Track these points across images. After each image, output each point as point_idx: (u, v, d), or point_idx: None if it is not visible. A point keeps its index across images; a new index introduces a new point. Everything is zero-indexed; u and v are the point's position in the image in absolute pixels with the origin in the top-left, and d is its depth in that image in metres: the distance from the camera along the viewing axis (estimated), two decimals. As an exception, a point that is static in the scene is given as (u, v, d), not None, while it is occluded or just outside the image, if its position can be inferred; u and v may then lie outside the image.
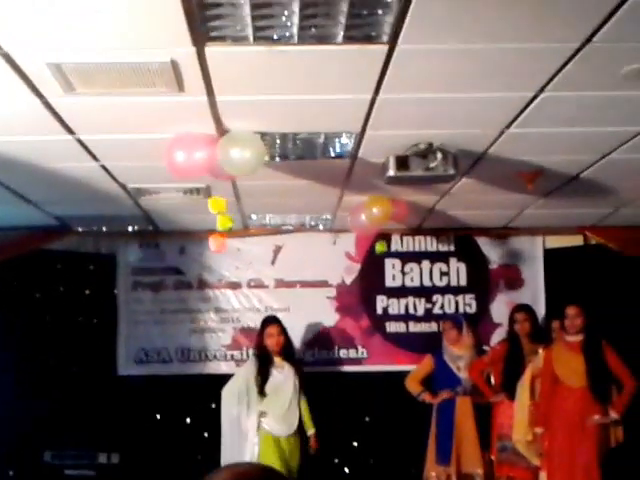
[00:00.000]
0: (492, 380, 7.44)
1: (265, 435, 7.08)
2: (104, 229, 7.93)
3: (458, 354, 7.56)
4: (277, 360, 7.27)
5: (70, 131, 4.72)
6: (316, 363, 8.24)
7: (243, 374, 7.34)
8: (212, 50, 3.59)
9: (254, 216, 7.59)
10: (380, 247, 8.00)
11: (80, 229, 7.91)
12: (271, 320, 7.39)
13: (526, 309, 7.40)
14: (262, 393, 7.13)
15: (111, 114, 4.45)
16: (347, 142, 5.10)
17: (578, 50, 3.71)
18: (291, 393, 7.19)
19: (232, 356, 8.27)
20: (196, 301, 8.30)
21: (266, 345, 7.27)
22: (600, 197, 6.76)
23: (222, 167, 4.72)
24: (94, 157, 5.31)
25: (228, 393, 7.26)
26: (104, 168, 5.59)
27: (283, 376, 7.23)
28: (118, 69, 3.73)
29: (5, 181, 5.89)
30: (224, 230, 5.70)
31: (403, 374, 7.81)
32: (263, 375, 7.20)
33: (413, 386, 7.63)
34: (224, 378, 8.14)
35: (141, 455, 7.95)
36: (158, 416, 8.23)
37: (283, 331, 7.31)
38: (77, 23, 3.29)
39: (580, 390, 6.47)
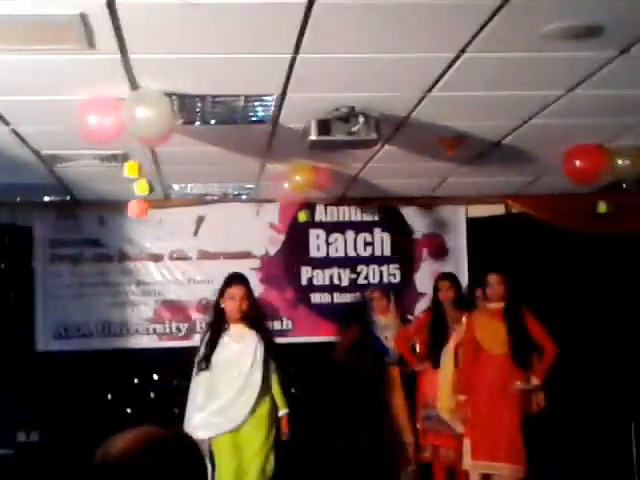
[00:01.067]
0: (417, 349, 7.47)
1: (216, 440, 5.99)
2: (19, 199, 7.67)
3: (386, 324, 7.57)
4: (235, 328, 6.07)
5: (-23, 92, 4.52)
6: (240, 335, 8.15)
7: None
8: (124, 2, 3.44)
9: (175, 186, 7.44)
10: (303, 216, 7.93)
11: (-6, 199, 7.66)
12: (235, 279, 6.13)
13: (450, 277, 7.43)
14: (207, 367, 5.98)
15: (20, 73, 4.26)
16: (268, 105, 5.00)
17: (499, 8, 3.67)
18: (246, 369, 5.97)
19: (154, 330, 8.12)
20: (117, 274, 8.11)
21: (223, 309, 6.08)
22: (521, 165, 6.81)
23: (129, 128, 4.55)
24: (4, 121, 5.10)
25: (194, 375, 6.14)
26: (15, 132, 5.38)
27: (239, 348, 6.03)
28: (25, 22, 3.55)
29: None
30: (143, 195, 5.57)
31: (329, 345, 7.78)
32: (210, 344, 6.03)
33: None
34: (146, 352, 8.05)
35: (61, 433, 7.76)
36: (79, 392, 8.04)
37: (248, 294, 6.08)
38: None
39: (501, 357, 6.52)
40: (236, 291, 6.02)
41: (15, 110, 4.93)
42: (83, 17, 3.53)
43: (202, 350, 6.03)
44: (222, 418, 5.95)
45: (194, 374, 6.04)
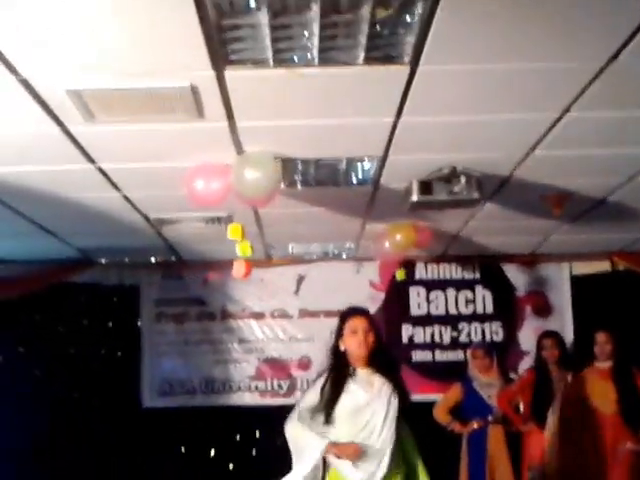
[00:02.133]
0: (521, 408, 7.30)
1: (335, 472, 4.60)
2: (127, 260, 7.92)
3: (489, 382, 7.44)
4: (362, 372, 4.69)
5: (91, 160, 4.71)
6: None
7: (309, 396, 4.79)
8: (232, 74, 3.56)
9: (277, 246, 7.55)
10: (400, 274, 7.92)
11: (103, 261, 7.92)
12: (355, 310, 4.86)
13: (554, 335, 7.28)
14: (328, 421, 4.58)
15: (131, 142, 4.42)
16: (369, 167, 5.05)
17: (603, 68, 3.64)
18: (380, 421, 4.56)
19: (256, 387, 8.20)
20: (219, 332, 8.27)
21: (345, 348, 4.70)
22: (627, 221, 6.66)
23: (237, 189, 4.67)
24: (115, 187, 5.29)
25: (290, 427, 4.76)
26: (126, 198, 5.58)
27: (369, 396, 4.61)
28: (137, 95, 3.70)
29: (26, 212, 5.88)
30: (244, 257, 5.65)
31: (430, 404, 7.68)
32: (333, 392, 4.61)
33: (442, 416, 7.49)
34: (248, 409, 8.11)
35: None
36: (183, 449, 8.14)
37: (373, 327, 4.72)
38: (96, 49, 3.27)
39: (611, 417, 6.34)
40: (359, 323, 4.69)
41: (126, 177, 5.11)
42: (193, 89, 3.66)
43: (312, 398, 4.70)
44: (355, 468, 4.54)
45: (294, 423, 4.73)
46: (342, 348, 4.71)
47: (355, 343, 4.65)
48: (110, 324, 8.22)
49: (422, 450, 7.64)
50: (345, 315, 4.80)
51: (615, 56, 3.53)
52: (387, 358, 4.82)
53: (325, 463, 4.61)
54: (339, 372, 4.68)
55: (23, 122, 4.04)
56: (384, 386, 4.65)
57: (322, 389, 4.69)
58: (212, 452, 8.19)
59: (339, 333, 4.73)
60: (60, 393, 7.93)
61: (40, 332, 8.06)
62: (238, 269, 5.97)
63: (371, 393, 4.63)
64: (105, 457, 7.79)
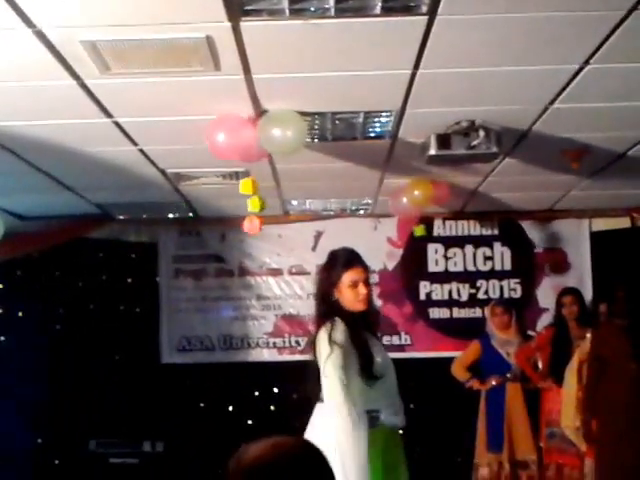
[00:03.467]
0: (539, 366, 7.32)
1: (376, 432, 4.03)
2: (145, 217, 7.94)
3: (507, 339, 7.45)
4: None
5: (108, 114, 4.70)
6: (359, 350, 8.18)
7: (339, 358, 3.95)
8: (247, 25, 3.52)
9: (294, 202, 7.54)
10: (419, 231, 7.88)
11: (121, 217, 7.93)
12: (357, 260, 4.20)
13: (574, 292, 7.27)
14: (374, 377, 4.01)
15: (147, 95, 4.40)
16: (387, 121, 5.02)
17: (624, 19, 3.58)
18: (394, 376, 4.24)
19: (274, 343, 8.24)
20: (237, 288, 8.29)
21: (338, 299, 4.11)
22: (648, 177, 6.60)
23: (263, 146, 4.67)
24: (132, 141, 5.28)
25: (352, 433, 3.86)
26: (143, 152, 5.57)
27: (377, 349, 4.19)
28: (153, 46, 3.67)
29: (43, 167, 5.90)
30: (255, 212, 5.63)
31: (448, 360, 7.70)
32: (364, 344, 4.06)
33: (460, 373, 7.52)
34: (266, 365, 8.16)
35: (185, 443, 7.95)
36: (201, 404, 8.23)
37: (369, 281, 4.26)
38: (111, -1, 3.25)
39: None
40: (360, 275, 4.15)
41: (142, 131, 5.10)
42: (209, 40, 3.63)
43: (343, 358, 3.95)
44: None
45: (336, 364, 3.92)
46: (335, 298, 4.13)
47: (355, 298, 4.12)
48: (129, 280, 8.28)
49: (440, 407, 7.82)
50: (343, 264, 4.15)
51: (636, 6, 3.46)
52: (376, 319, 4.47)
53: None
54: (354, 323, 4.09)
55: (39, 76, 4.03)
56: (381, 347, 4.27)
57: (352, 342, 4.02)
58: (230, 408, 8.27)
59: (334, 283, 4.12)
60: (79, 348, 8.00)
61: (59, 288, 8.13)
62: (249, 224, 5.93)
63: (378, 345, 4.22)
64: (124, 412, 7.87)
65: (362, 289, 4.12)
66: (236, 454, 1.68)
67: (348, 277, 4.11)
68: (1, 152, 5.35)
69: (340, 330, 4.03)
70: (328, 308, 4.13)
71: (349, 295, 4.12)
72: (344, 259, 4.18)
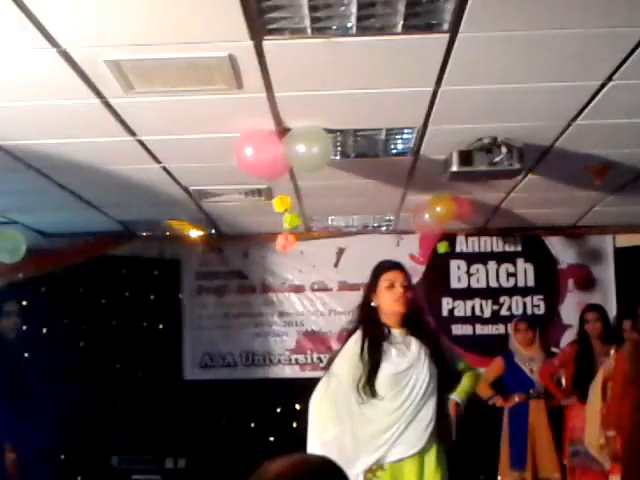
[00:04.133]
0: (563, 383, 7.27)
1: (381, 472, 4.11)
2: (168, 234, 7.98)
3: (531, 356, 7.40)
4: (397, 332, 4.23)
5: (131, 132, 4.73)
6: (381, 366, 8.16)
7: (342, 367, 4.21)
8: (270, 43, 3.54)
9: (316, 218, 7.56)
10: (442, 247, 7.87)
11: (144, 234, 7.98)
12: (392, 264, 4.39)
13: (598, 309, 7.21)
14: (372, 392, 4.10)
15: (170, 114, 4.44)
16: (409, 138, 5.02)
17: (647, 34, 3.57)
18: (423, 388, 4.15)
19: (296, 360, 8.25)
20: (260, 305, 8.32)
21: (378, 305, 4.23)
22: (672, 192, 6.56)
23: (288, 163, 4.69)
24: (155, 159, 5.32)
25: (317, 403, 4.42)
26: (166, 170, 5.60)
27: (408, 360, 4.17)
28: (176, 65, 3.70)
29: (68, 185, 5.95)
30: (291, 229, 5.62)
31: (471, 377, 7.65)
32: (373, 357, 4.12)
33: (483, 390, 7.47)
34: (288, 382, 8.15)
35: (207, 460, 7.95)
36: (223, 420, 8.23)
37: (410, 283, 4.34)
38: (135, 18, 3.27)
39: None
40: (396, 276, 4.23)
41: (166, 149, 5.13)
42: (231, 58, 3.65)
43: (347, 368, 4.14)
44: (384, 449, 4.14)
45: (320, 394, 4.36)
46: (374, 304, 4.20)
47: (392, 298, 4.14)
48: (152, 297, 8.32)
49: (464, 424, 7.77)
50: (380, 268, 4.28)
51: (660, 22, 3.45)
52: (423, 319, 4.42)
53: None
54: (374, 332, 4.13)
55: (64, 95, 4.07)
56: (422, 350, 4.17)
57: (361, 353, 4.12)
58: (252, 424, 8.27)
59: (371, 288, 4.23)
60: (103, 365, 8.04)
61: (83, 304, 8.17)
62: (281, 241, 5.91)
63: (410, 356, 4.14)
64: (146, 428, 7.89)
65: (399, 288, 4.16)
66: (257, 471, 1.69)
67: (385, 278, 4.20)
68: (25, 170, 5.40)
69: (354, 339, 4.19)
70: (365, 316, 4.22)
71: (386, 297, 4.17)
72: (382, 264, 4.34)
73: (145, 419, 7.91)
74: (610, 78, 4.09)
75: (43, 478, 7.57)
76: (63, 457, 7.99)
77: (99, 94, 4.07)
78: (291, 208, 5.50)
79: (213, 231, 7.98)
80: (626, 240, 8.15)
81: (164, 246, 8.25)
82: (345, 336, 4.39)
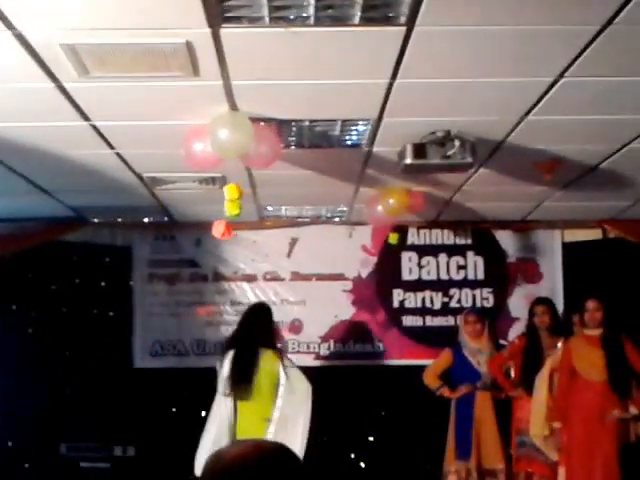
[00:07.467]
0: (511, 374, 7.37)
1: None
2: (120, 220, 7.93)
3: (478, 348, 7.49)
4: None
5: (85, 117, 4.70)
6: (332, 357, 8.20)
7: None
8: (227, 32, 3.55)
9: (270, 208, 7.56)
10: (393, 238, 7.91)
11: (96, 220, 7.91)
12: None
13: (546, 302, 7.32)
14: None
15: (126, 100, 4.42)
16: (363, 130, 5.06)
17: (599, 33, 3.64)
18: None
19: (248, 349, 8.21)
20: (212, 294, 8.28)
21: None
22: (619, 189, 6.69)
23: (212, 149, 4.66)
24: (109, 144, 5.28)
25: None
26: (119, 156, 5.57)
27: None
28: (132, 50, 3.69)
29: (20, 170, 5.88)
30: (231, 217, 5.57)
31: (420, 368, 7.74)
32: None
33: (431, 380, 7.55)
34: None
35: (156, 448, 7.92)
36: (173, 409, 8.21)
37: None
38: (92, 2, 3.26)
39: (599, 384, 6.39)
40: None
41: (120, 134, 5.10)
42: (188, 45, 3.65)
43: None
44: None
45: None
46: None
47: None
48: (102, 284, 8.24)
49: (412, 414, 7.88)
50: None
51: (610, 20, 3.53)
52: None
53: None
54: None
55: (18, 78, 4.04)
56: None
57: None
58: (203, 413, 8.23)
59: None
60: (52, 352, 7.96)
61: (33, 290, 8.08)
62: (217, 228, 5.80)
63: None
64: (95, 416, 7.83)
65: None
66: (215, 453, 1.70)
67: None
68: (-23, 153, 5.34)
69: None
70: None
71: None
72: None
73: (94, 407, 7.84)
74: (562, 75, 4.17)
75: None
76: (10, 444, 7.90)
77: (54, 78, 4.04)
78: (241, 196, 5.46)
79: (166, 219, 7.93)
80: (574, 235, 8.28)
81: (116, 233, 8.17)
82: None
